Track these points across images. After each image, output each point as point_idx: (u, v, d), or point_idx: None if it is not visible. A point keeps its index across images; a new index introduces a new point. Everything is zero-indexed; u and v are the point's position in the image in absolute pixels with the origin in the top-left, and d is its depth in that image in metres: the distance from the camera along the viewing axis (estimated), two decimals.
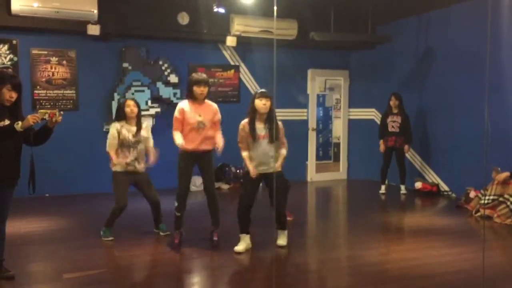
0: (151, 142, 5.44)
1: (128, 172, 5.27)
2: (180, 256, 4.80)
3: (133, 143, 5.25)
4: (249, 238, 4.94)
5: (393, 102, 7.99)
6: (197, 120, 4.92)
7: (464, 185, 7.11)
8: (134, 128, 5.28)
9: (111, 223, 5.29)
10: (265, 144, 4.83)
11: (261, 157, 4.85)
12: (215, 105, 5.17)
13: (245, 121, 4.91)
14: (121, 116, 5.30)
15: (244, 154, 4.88)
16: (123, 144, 5.22)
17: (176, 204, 5.05)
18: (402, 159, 8.05)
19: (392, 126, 8.00)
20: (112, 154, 5.23)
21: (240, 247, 4.84)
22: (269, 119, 4.83)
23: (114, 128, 5.26)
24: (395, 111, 8.00)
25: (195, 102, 4.99)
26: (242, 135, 4.89)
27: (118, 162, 5.19)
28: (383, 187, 8.15)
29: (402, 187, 8.08)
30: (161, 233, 5.48)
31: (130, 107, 5.27)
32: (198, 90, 4.94)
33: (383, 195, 8.05)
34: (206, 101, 5.09)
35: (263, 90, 4.89)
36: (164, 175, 6.37)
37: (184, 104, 5.00)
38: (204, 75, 5.12)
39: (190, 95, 5.00)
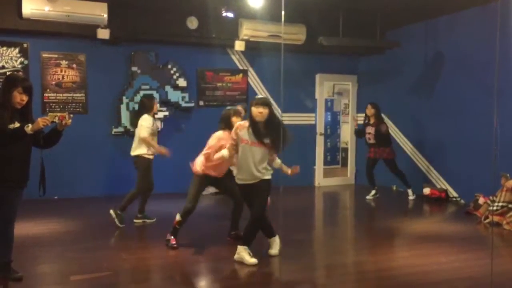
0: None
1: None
2: (186, 260, 4.80)
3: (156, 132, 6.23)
4: (278, 238, 4.89)
5: (368, 111, 7.91)
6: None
7: (473, 191, 7.06)
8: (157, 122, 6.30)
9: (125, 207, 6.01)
10: (258, 152, 4.54)
11: (250, 166, 4.54)
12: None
13: (243, 122, 4.67)
14: (150, 110, 6.09)
15: (225, 153, 4.63)
16: (154, 133, 6.04)
17: (180, 219, 5.07)
18: (392, 167, 7.94)
19: (369, 138, 7.94)
20: (152, 141, 5.98)
21: (275, 250, 4.84)
22: (270, 127, 4.53)
23: (150, 119, 6.02)
24: (371, 121, 7.92)
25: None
26: (233, 138, 4.62)
27: (158, 150, 5.98)
28: (372, 192, 8.09)
29: (409, 191, 8.00)
30: (145, 220, 6.13)
31: (156, 105, 6.31)
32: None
33: (371, 200, 7.98)
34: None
35: (260, 96, 4.67)
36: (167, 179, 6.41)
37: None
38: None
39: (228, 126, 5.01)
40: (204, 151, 5.00)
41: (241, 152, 4.60)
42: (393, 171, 7.98)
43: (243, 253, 4.58)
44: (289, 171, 4.81)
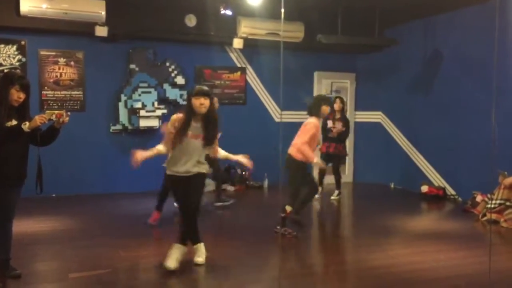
0: None
1: None
2: (184, 258, 4.80)
3: None
4: (203, 245, 4.60)
5: (337, 105, 7.76)
6: None
7: (471, 189, 7.08)
8: None
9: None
10: (196, 145, 4.28)
11: (190, 158, 4.30)
12: None
13: (179, 115, 4.31)
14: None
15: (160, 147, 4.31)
16: None
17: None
18: (338, 165, 7.93)
19: (332, 132, 7.78)
20: None
21: (201, 258, 4.56)
22: (207, 120, 4.25)
23: None
24: (337, 116, 7.79)
25: None
26: (170, 130, 4.25)
27: None
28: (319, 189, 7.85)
29: (336, 192, 7.96)
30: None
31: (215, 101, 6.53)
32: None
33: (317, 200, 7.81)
34: None
35: (202, 86, 4.32)
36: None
37: None
38: None
39: None
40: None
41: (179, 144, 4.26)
42: (337, 168, 7.92)
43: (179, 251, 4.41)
44: (239, 158, 4.55)
